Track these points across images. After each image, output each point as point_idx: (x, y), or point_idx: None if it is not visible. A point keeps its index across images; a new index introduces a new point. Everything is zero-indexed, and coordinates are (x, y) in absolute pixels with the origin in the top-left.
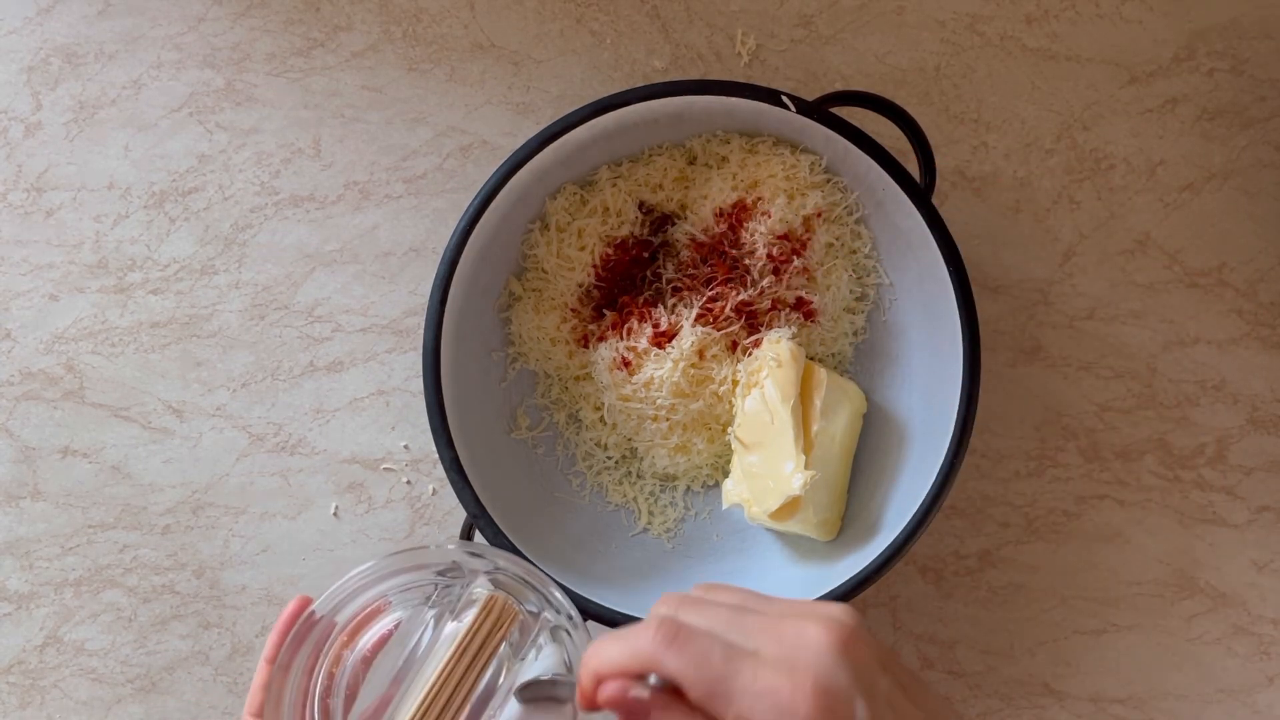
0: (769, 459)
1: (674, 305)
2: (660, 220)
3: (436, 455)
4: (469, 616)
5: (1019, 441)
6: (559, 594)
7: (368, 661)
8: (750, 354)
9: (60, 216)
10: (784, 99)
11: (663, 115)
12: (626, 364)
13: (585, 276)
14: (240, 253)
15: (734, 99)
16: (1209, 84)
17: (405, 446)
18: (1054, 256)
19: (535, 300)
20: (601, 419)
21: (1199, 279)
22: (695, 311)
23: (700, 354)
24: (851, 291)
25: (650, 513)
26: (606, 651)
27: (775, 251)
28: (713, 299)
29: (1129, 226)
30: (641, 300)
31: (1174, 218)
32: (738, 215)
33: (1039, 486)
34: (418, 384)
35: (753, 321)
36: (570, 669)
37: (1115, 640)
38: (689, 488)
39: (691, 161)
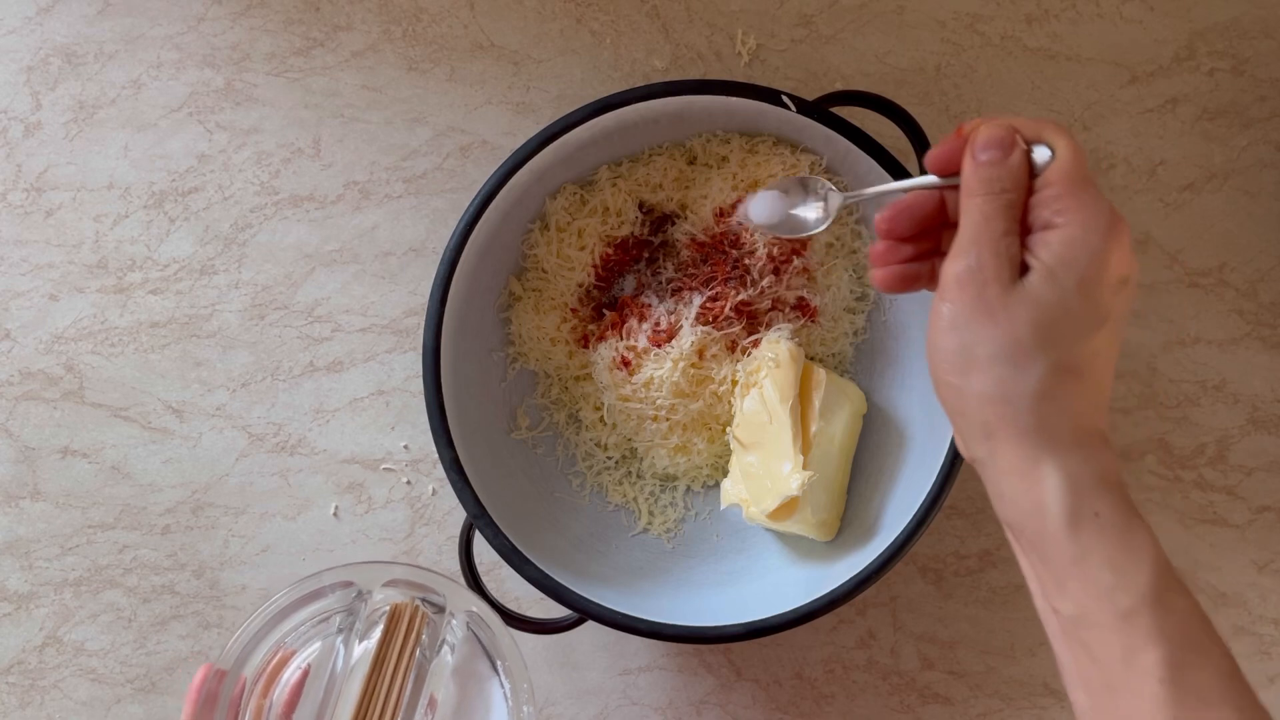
0: (767, 459)
1: (674, 305)
2: (660, 220)
3: (436, 455)
4: (378, 631)
5: None
6: (457, 585)
7: (290, 706)
8: (749, 354)
9: (60, 216)
10: (784, 99)
11: (663, 115)
12: (626, 364)
13: (585, 276)
14: (240, 253)
15: (734, 99)
16: (1209, 84)
17: (405, 446)
18: None
19: (535, 300)
20: (601, 419)
21: (1199, 279)
22: (695, 311)
23: (700, 354)
24: (851, 291)
25: (650, 513)
26: (1012, 119)
27: (775, 251)
28: (712, 299)
29: (1129, 226)
30: (641, 300)
31: (1174, 218)
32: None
33: None
34: (418, 384)
35: (753, 321)
36: (489, 654)
37: None
38: (689, 488)
39: (691, 161)
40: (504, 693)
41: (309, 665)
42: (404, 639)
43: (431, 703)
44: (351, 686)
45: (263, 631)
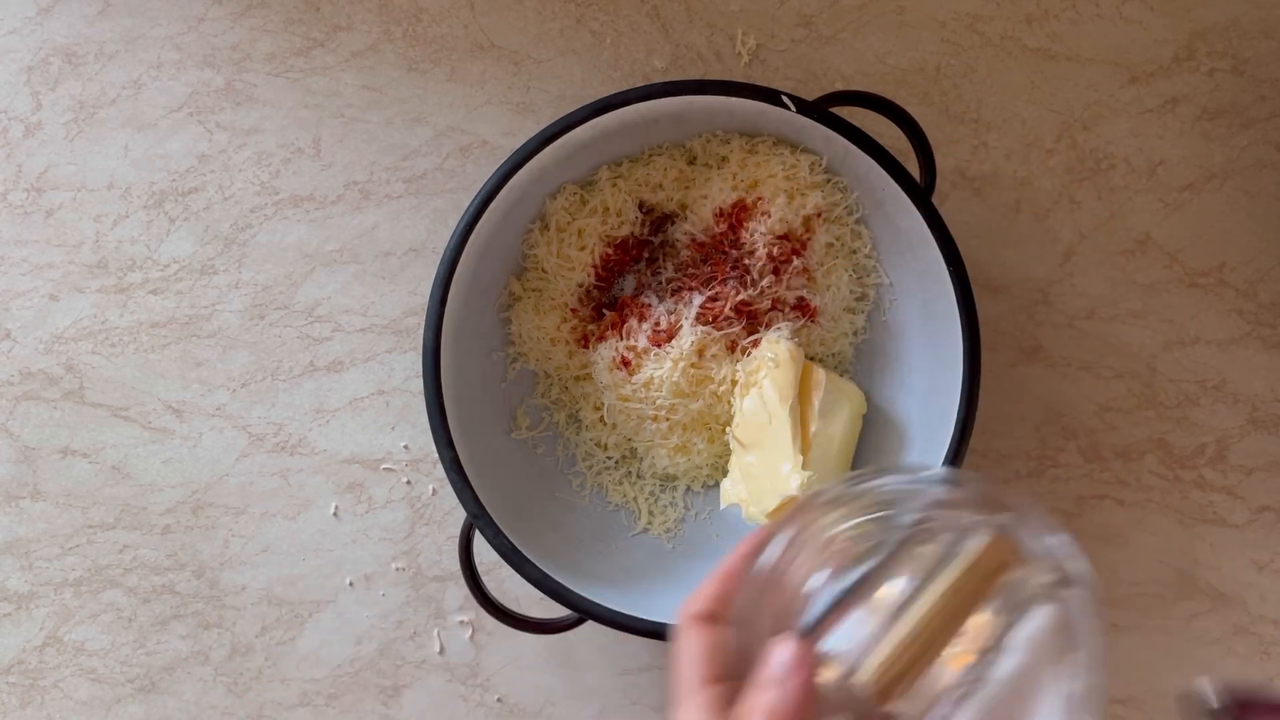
0: (766, 459)
1: (674, 305)
2: (660, 220)
3: (436, 455)
4: (960, 557)
5: (1019, 441)
6: (1070, 549)
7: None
8: (749, 354)
9: (60, 216)
10: (784, 99)
11: (663, 115)
12: (626, 364)
13: (585, 276)
14: (240, 253)
15: (734, 99)
16: (1209, 84)
17: (405, 446)
18: (1054, 256)
19: (535, 300)
20: (601, 419)
21: (1199, 279)
22: (695, 311)
23: (700, 353)
24: (851, 291)
25: (650, 513)
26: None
27: (775, 251)
28: (712, 299)
29: (1129, 226)
30: (641, 300)
31: (1174, 218)
32: (738, 215)
33: (1039, 486)
34: (418, 384)
35: (753, 321)
36: (1071, 640)
37: (1115, 640)
38: (689, 488)
39: (691, 161)
40: (1069, 691)
41: (876, 551)
42: (987, 579)
43: (984, 665)
44: (920, 600)
45: (861, 506)
